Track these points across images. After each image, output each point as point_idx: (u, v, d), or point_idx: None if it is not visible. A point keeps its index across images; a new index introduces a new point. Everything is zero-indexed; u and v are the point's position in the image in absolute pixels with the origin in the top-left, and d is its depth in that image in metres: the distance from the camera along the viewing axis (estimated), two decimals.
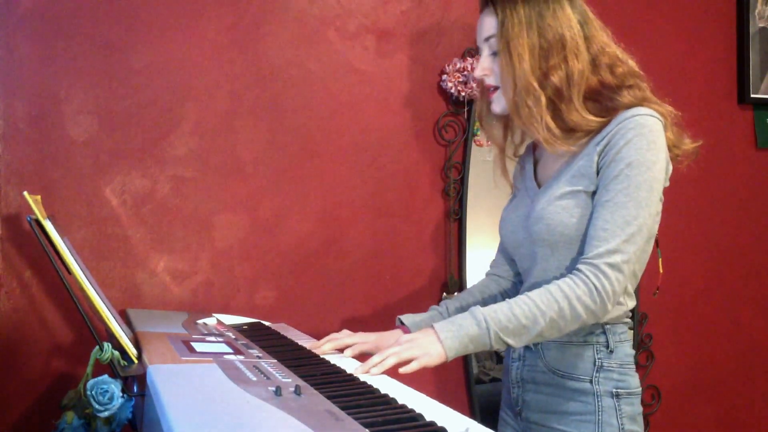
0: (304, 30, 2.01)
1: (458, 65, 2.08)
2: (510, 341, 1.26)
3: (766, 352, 2.52)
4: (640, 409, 1.39)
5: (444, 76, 2.09)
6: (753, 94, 2.46)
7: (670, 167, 1.36)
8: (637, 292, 2.24)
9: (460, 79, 2.07)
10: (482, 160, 2.11)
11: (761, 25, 2.48)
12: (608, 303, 1.26)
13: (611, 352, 1.36)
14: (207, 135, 1.92)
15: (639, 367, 2.30)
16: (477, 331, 1.25)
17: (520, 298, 1.28)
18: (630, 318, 1.42)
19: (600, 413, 1.34)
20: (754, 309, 2.50)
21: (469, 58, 2.09)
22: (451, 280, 2.10)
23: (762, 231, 2.52)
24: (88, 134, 1.83)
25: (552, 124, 1.32)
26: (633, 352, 1.40)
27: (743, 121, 2.50)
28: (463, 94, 2.08)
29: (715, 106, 2.45)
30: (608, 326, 1.37)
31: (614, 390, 1.35)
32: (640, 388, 1.40)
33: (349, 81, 2.05)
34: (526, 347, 1.44)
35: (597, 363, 1.36)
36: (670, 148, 1.34)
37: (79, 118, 1.82)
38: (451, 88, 2.07)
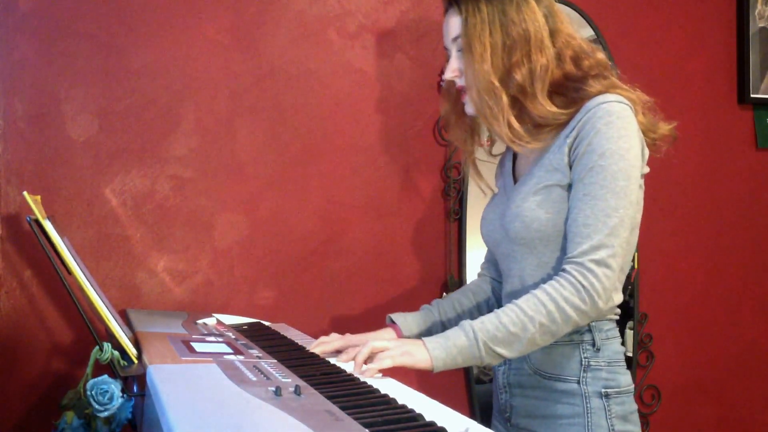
0: (304, 30, 2.01)
1: None
2: (501, 351, 1.23)
3: (766, 352, 2.52)
4: (634, 407, 1.35)
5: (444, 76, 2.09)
6: (753, 94, 2.46)
7: (647, 152, 1.33)
8: (636, 291, 2.26)
9: None
10: (482, 160, 2.10)
11: (761, 25, 2.48)
12: (599, 300, 1.23)
13: (598, 350, 1.33)
14: (207, 135, 1.92)
15: (639, 367, 2.31)
16: (465, 342, 1.22)
17: (508, 307, 1.25)
18: (618, 314, 1.37)
19: (589, 415, 1.30)
20: (754, 309, 2.50)
21: None
22: (451, 280, 2.10)
23: (762, 231, 2.52)
24: (88, 134, 1.83)
25: (515, 124, 1.31)
26: (623, 349, 1.37)
27: (743, 121, 2.50)
28: None
29: (715, 106, 2.45)
30: (594, 324, 1.33)
31: (603, 390, 1.31)
32: (632, 386, 1.36)
33: (349, 81, 2.05)
34: None
35: (584, 362, 1.32)
36: (645, 132, 1.32)
37: (79, 118, 1.82)
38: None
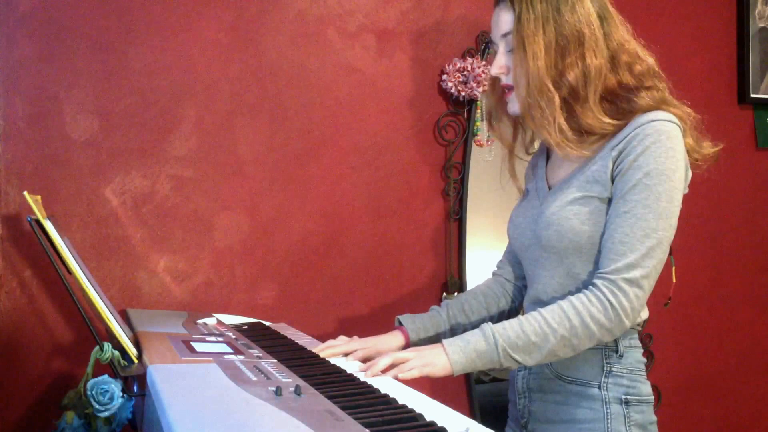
0: (304, 30, 2.01)
1: (458, 65, 2.08)
2: (519, 358, 1.22)
3: (766, 352, 2.52)
4: (653, 418, 1.33)
5: (444, 76, 2.09)
6: (753, 94, 2.46)
7: (690, 173, 1.31)
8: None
9: (460, 79, 2.07)
10: (482, 160, 2.11)
11: (761, 25, 2.48)
12: (626, 320, 1.22)
13: (620, 357, 1.31)
14: (207, 135, 1.92)
15: None
16: (485, 346, 1.22)
17: (532, 315, 1.24)
18: (641, 326, 1.36)
19: (608, 420, 1.29)
20: (754, 309, 2.50)
21: (469, 58, 2.09)
22: (451, 280, 2.10)
23: (762, 231, 2.52)
24: (88, 134, 1.83)
25: (565, 127, 1.27)
26: (644, 359, 1.35)
27: (743, 121, 2.50)
28: (463, 94, 2.08)
29: (715, 106, 2.45)
30: None
31: (624, 396, 1.30)
32: (652, 397, 1.34)
33: (349, 81, 2.05)
34: None
35: (606, 368, 1.31)
36: (689, 152, 1.29)
37: (79, 118, 1.82)
38: (451, 88, 2.07)
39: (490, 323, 1.25)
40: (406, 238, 2.10)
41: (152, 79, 1.88)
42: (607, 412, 1.30)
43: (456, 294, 2.07)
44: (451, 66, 2.08)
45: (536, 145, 1.50)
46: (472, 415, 2.09)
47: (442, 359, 1.22)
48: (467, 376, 2.10)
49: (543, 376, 1.38)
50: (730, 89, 2.47)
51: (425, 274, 2.11)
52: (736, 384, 2.48)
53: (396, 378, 1.21)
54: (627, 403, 1.30)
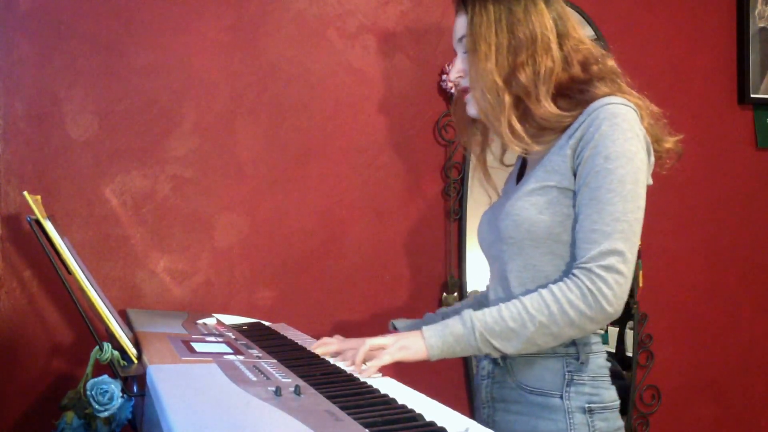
0: (304, 30, 2.01)
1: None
2: (497, 344, 1.21)
3: (766, 352, 2.52)
4: (620, 423, 1.30)
5: (444, 76, 2.09)
6: (753, 94, 2.46)
7: (653, 160, 1.29)
8: (636, 291, 2.25)
9: None
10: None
11: (761, 25, 2.48)
12: (608, 307, 1.19)
13: (582, 364, 1.28)
14: (207, 135, 1.92)
15: (639, 367, 2.31)
16: (462, 330, 1.22)
17: (512, 302, 1.23)
18: (603, 329, 1.33)
19: (572, 431, 1.27)
20: (754, 309, 2.50)
21: None
22: (451, 281, 2.10)
23: (762, 231, 2.52)
24: (88, 134, 1.83)
25: (516, 125, 1.28)
26: (608, 364, 1.32)
27: (743, 121, 2.50)
28: None
29: (715, 106, 2.45)
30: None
31: (587, 405, 1.27)
32: (617, 402, 1.31)
33: (349, 81, 2.05)
34: (495, 363, 1.37)
35: (567, 376, 1.28)
36: (651, 142, 1.28)
37: (79, 118, 1.82)
38: (451, 88, 2.07)
39: (470, 309, 1.25)
40: (405, 238, 2.10)
41: (152, 79, 1.88)
42: (570, 423, 1.27)
43: (456, 294, 2.08)
44: (450, 66, 2.08)
45: (511, 155, 1.51)
46: (472, 415, 2.09)
47: (419, 344, 1.23)
48: (467, 376, 2.10)
49: (506, 385, 1.36)
50: (730, 89, 2.47)
51: (425, 274, 2.11)
52: (736, 384, 2.47)
53: (366, 363, 1.22)
54: (590, 411, 1.27)
